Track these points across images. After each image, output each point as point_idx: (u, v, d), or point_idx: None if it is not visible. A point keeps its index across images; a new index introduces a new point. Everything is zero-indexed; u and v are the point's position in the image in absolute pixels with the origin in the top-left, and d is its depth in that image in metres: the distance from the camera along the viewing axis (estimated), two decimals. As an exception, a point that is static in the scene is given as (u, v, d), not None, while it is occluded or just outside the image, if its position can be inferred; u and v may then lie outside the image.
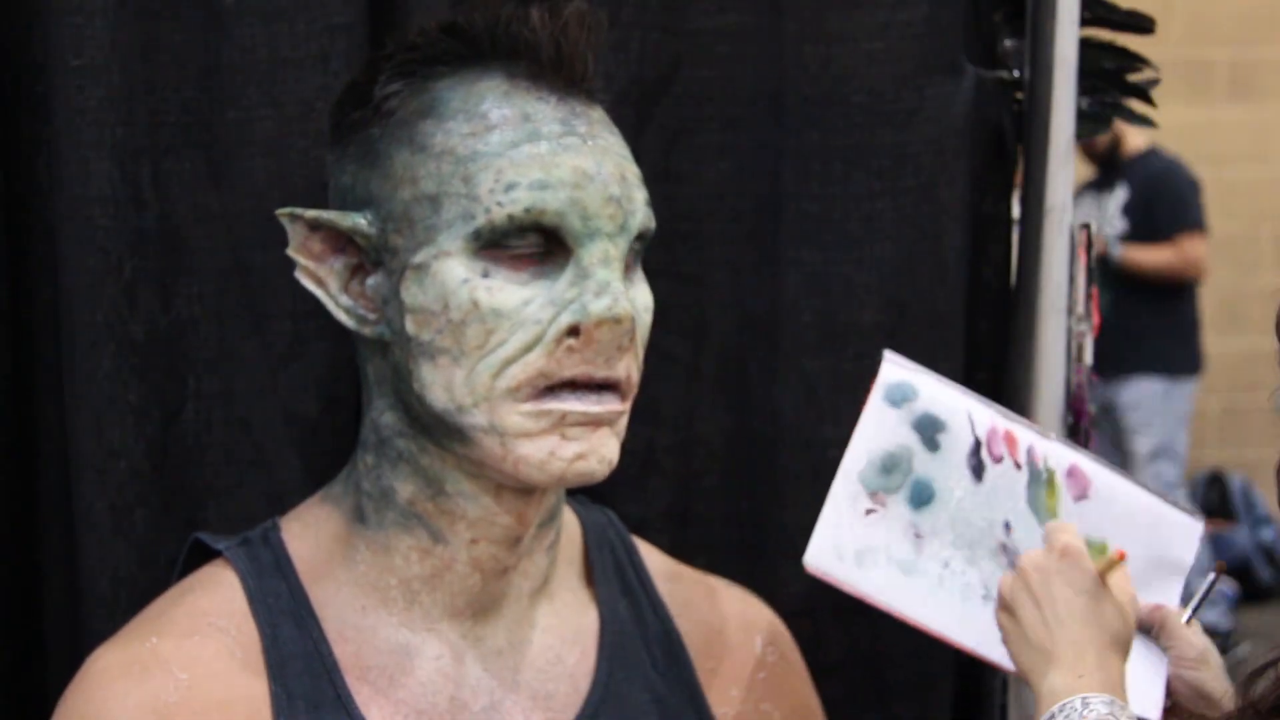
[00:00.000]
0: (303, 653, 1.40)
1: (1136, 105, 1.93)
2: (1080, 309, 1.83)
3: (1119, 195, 5.89)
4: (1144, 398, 5.83)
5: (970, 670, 1.80)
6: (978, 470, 1.57)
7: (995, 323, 1.86)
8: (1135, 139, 5.86)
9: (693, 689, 1.53)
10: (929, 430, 1.56)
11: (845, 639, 1.75)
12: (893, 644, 1.73)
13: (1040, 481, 1.58)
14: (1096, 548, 1.55)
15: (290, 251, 1.42)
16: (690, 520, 1.76)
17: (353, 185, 1.42)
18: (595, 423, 1.37)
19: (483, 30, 1.39)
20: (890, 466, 1.55)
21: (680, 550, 1.65)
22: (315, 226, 1.42)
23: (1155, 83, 1.91)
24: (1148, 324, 5.72)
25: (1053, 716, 1.36)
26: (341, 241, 1.41)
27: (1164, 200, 5.87)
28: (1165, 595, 1.56)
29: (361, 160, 1.41)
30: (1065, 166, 1.81)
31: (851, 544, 1.52)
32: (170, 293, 1.57)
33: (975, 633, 1.53)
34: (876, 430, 1.55)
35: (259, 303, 1.59)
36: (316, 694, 1.39)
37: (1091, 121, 1.89)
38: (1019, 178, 1.87)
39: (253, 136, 1.57)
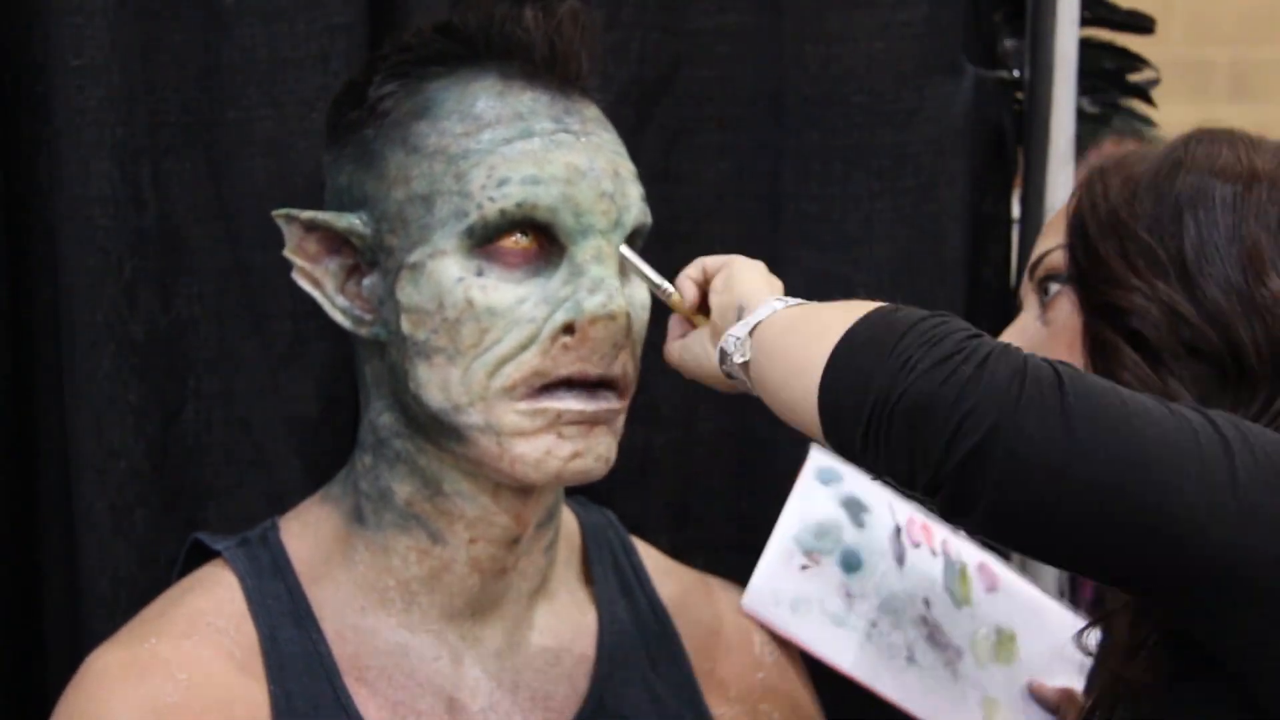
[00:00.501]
0: (301, 653, 1.40)
1: (1137, 105, 1.93)
2: (1080, 309, 1.83)
3: None
4: None
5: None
6: (899, 552, 1.61)
7: (995, 323, 1.85)
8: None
9: (691, 689, 1.53)
10: (855, 510, 1.61)
11: (844, 639, 1.76)
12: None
13: (955, 571, 1.63)
14: (1006, 635, 1.62)
15: (286, 253, 1.42)
16: (689, 520, 1.76)
17: (348, 186, 1.42)
18: (592, 421, 1.37)
19: (477, 30, 1.39)
20: (822, 533, 1.60)
21: (679, 550, 1.65)
22: (311, 227, 1.41)
23: (1155, 83, 1.92)
24: None
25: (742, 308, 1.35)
26: (337, 242, 1.41)
27: None
28: (1068, 682, 1.61)
29: (357, 161, 1.41)
30: (1065, 166, 1.81)
31: (788, 593, 1.58)
32: (170, 293, 1.57)
33: (900, 688, 1.57)
34: (809, 503, 1.60)
35: (259, 303, 1.59)
36: (315, 695, 1.39)
37: (1091, 121, 1.89)
38: (1019, 178, 1.87)
39: (253, 136, 1.57)
